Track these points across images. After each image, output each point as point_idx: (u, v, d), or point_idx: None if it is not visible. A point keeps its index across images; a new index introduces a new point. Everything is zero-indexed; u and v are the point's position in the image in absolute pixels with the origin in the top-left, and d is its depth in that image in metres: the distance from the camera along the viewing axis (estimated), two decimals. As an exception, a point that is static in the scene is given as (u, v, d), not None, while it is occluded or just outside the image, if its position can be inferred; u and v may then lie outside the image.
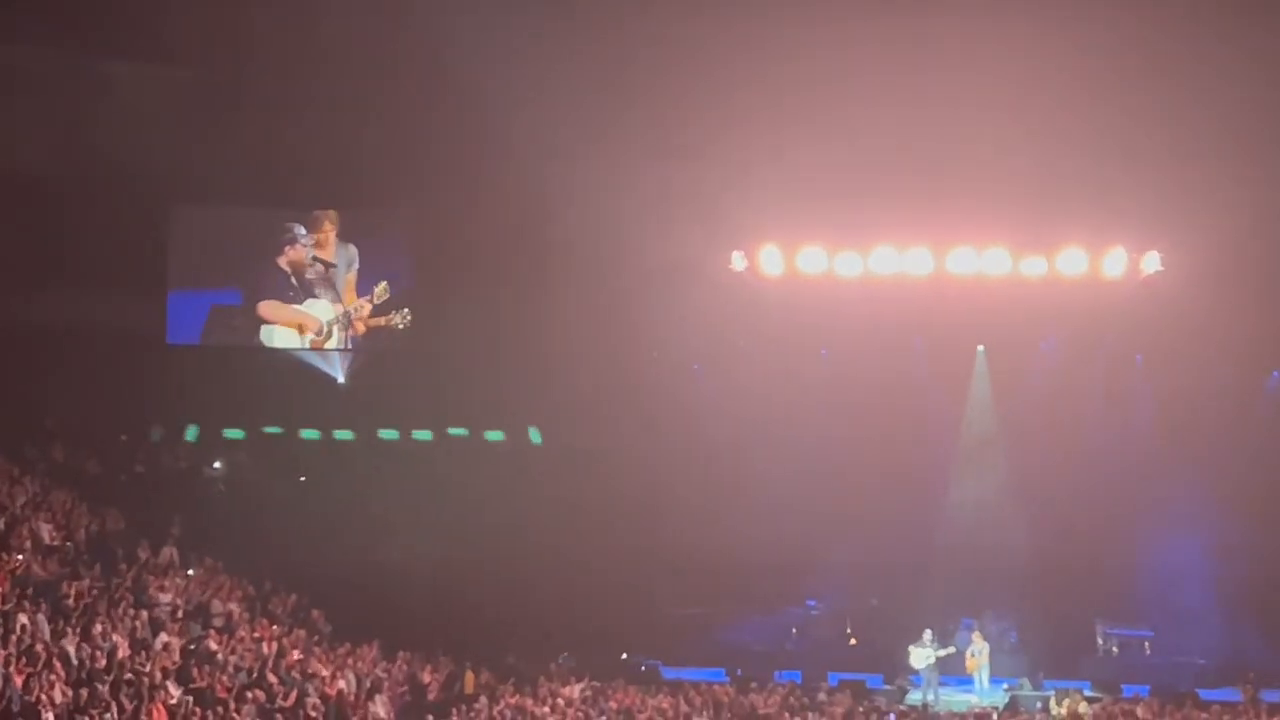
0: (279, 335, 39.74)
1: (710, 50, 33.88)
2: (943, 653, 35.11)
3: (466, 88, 34.31)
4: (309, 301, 39.65)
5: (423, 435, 40.78)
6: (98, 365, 37.92)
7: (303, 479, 41.17)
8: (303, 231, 39.47)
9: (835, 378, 38.92)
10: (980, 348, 40.45)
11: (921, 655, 35.00)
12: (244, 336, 39.49)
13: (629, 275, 37.53)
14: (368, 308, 39.58)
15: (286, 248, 39.50)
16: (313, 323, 39.70)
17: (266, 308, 39.59)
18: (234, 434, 40.64)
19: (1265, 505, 36.61)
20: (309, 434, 40.72)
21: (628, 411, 38.19)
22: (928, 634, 35.22)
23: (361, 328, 39.75)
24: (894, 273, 37.22)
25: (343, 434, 40.90)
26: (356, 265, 39.71)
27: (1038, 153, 34.31)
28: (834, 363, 39.11)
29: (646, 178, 35.65)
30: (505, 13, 33.80)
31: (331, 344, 39.89)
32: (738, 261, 37.68)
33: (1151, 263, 36.34)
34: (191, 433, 40.13)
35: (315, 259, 39.55)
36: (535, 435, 40.60)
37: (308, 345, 39.90)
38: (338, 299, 39.62)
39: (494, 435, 40.83)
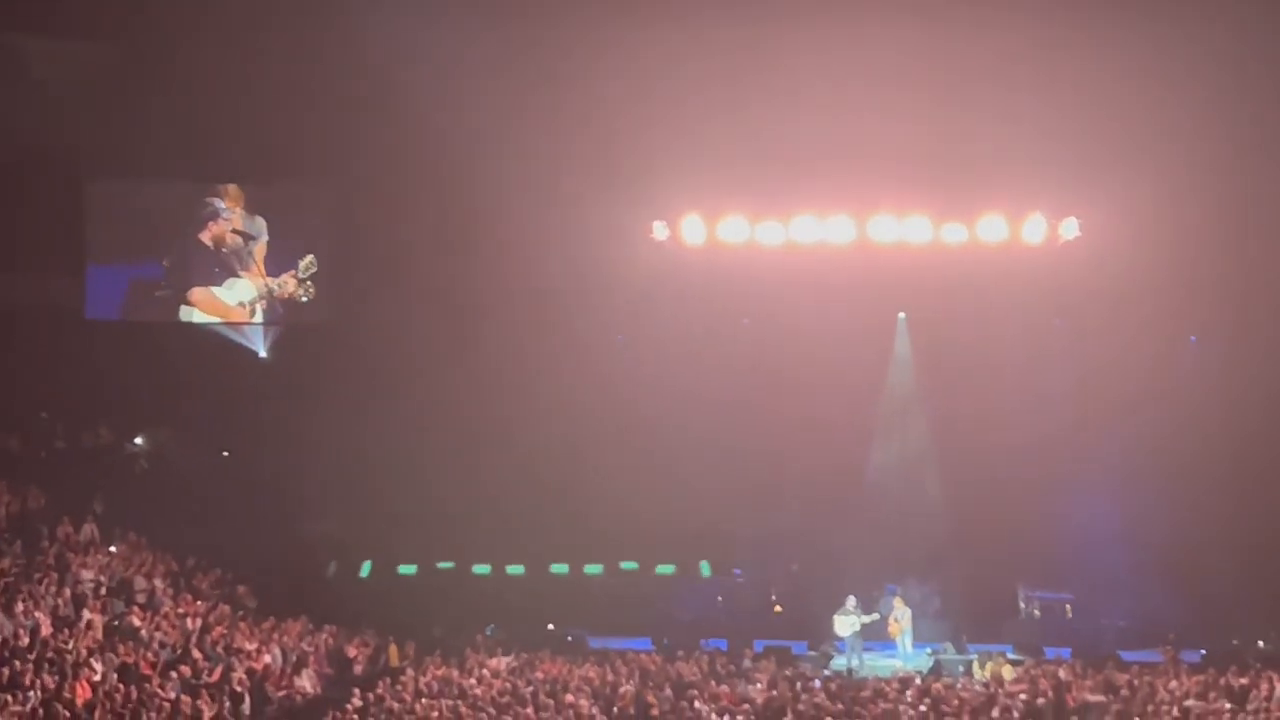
0: (199, 313, 39.50)
1: (631, 22, 33.84)
2: (867, 619, 35.30)
3: (383, 62, 34.11)
4: (230, 281, 39.36)
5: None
6: (16, 341, 37.62)
7: (225, 454, 40.99)
8: (223, 206, 39.20)
9: (757, 346, 39.00)
10: (901, 315, 40.64)
11: (846, 622, 35.20)
12: (166, 310, 39.16)
13: (551, 246, 37.46)
14: (292, 283, 39.36)
15: (209, 223, 39.22)
16: (242, 314, 39.46)
17: (198, 295, 39.31)
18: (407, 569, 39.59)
19: (1184, 468, 36.95)
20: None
21: (551, 380, 38.14)
22: (851, 600, 35.41)
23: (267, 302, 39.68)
24: (815, 240, 37.27)
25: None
26: (265, 238, 39.44)
27: (956, 122, 34.47)
28: (756, 331, 39.15)
29: (568, 149, 35.62)
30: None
31: (257, 318, 39.71)
32: (660, 231, 37.67)
33: (1070, 229, 36.56)
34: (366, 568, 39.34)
35: (234, 231, 39.30)
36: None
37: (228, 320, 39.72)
38: (255, 272, 39.42)
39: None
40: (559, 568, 39.70)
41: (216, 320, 39.58)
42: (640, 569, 39.30)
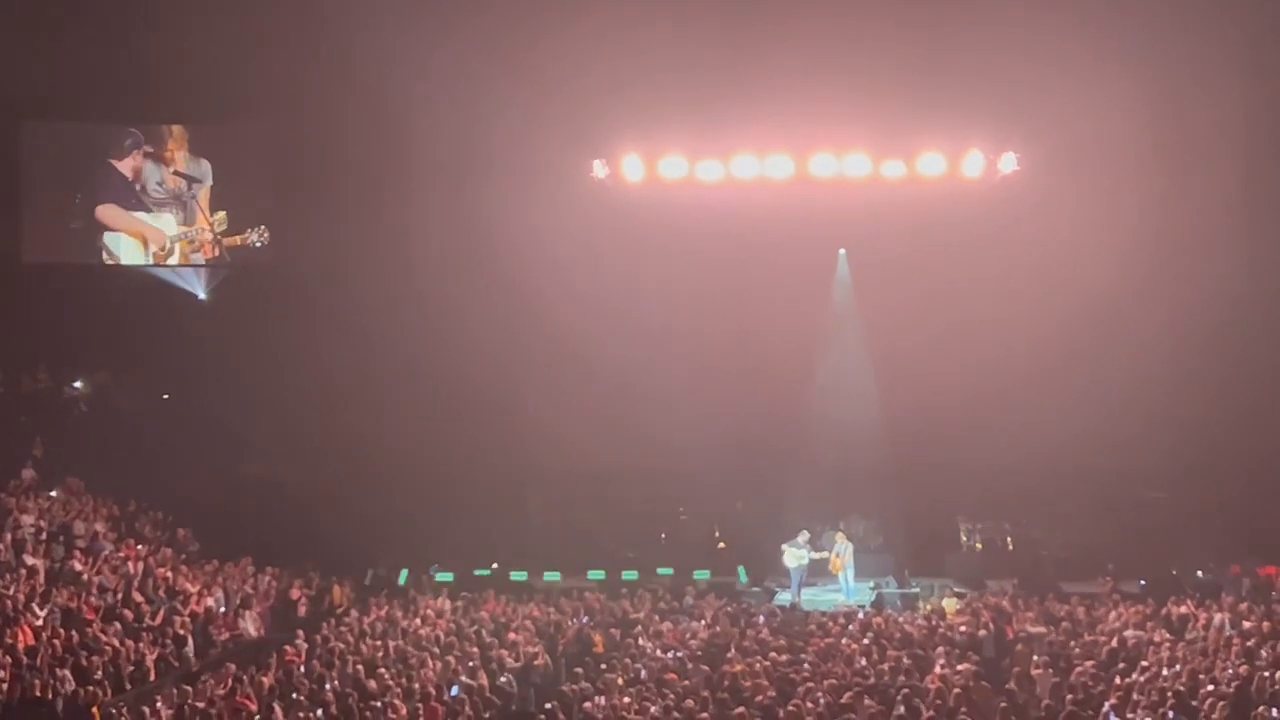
0: (125, 248, 39.15)
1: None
2: (816, 556, 35.47)
3: (324, 4, 33.94)
4: (154, 213, 39.08)
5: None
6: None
7: (166, 396, 40.79)
8: (129, 143, 38.91)
9: (699, 283, 38.93)
10: (842, 251, 40.70)
11: (794, 555, 35.32)
12: (86, 247, 38.85)
13: (492, 185, 37.40)
14: (221, 228, 39.16)
15: (134, 153, 38.87)
16: (156, 235, 39.15)
17: (105, 212, 38.97)
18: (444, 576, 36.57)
19: (1123, 399, 37.11)
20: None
21: (492, 318, 38.12)
22: (803, 535, 35.52)
23: (216, 249, 39.45)
24: (755, 176, 37.25)
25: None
26: (210, 182, 39.19)
27: (895, 62, 34.56)
28: (697, 268, 39.02)
29: (508, 89, 35.57)
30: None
31: (173, 260, 39.41)
32: (599, 169, 37.57)
33: (1008, 163, 36.63)
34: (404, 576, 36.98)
35: (176, 173, 39.01)
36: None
37: (151, 261, 39.34)
38: (190, 217, 39.14)
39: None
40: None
41: (141, 261, 39.28)
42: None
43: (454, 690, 24.20)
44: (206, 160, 39.25)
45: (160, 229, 39.15)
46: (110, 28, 35.66)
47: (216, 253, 39.44)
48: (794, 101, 35.42)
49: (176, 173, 39.00)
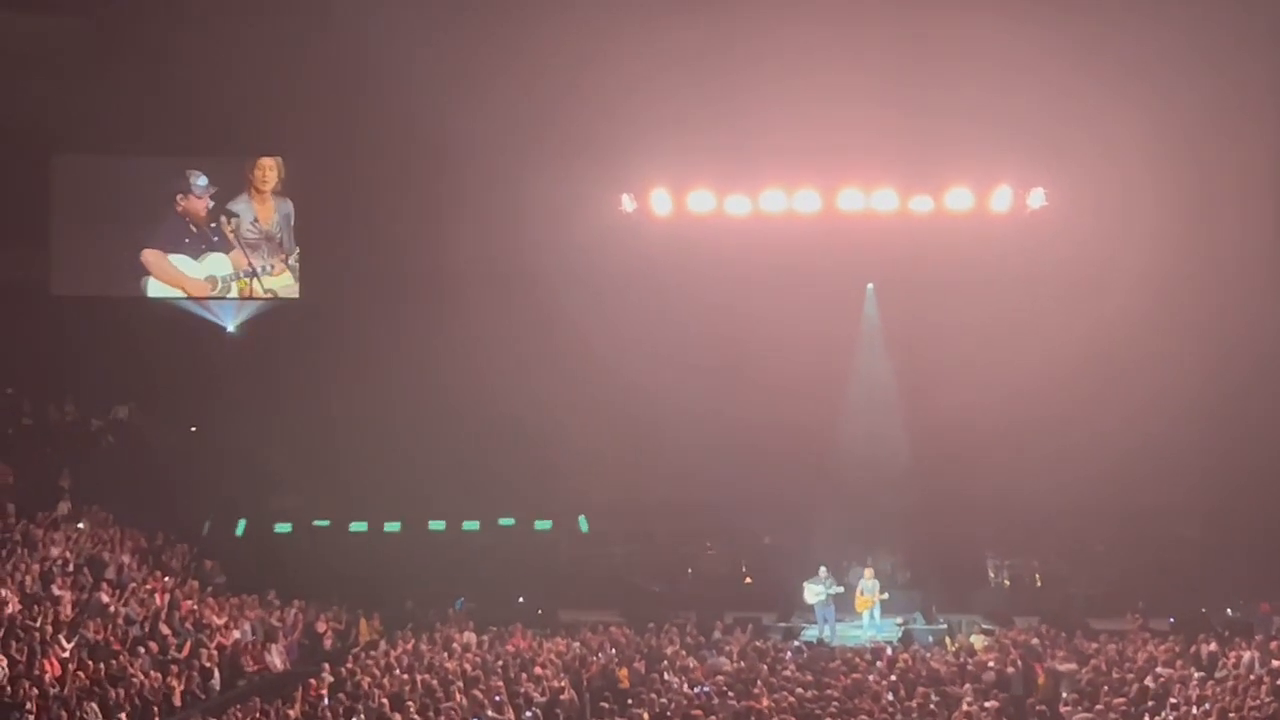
0: (160, 286, 39.25)
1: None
2: (836, 590, 35.40)
3: (355, 41, 34.04)
4: (209, 256, 39.14)
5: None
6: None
7: (193, 429, 40.83)
8: (203, 182, 38.95)
9: (726, 317, 38.88)
10: (870, 285, 40.68)
11: (814, 591, 35.29)
12: (129, 283, 38.91)
13: (520, 218, 37.43)
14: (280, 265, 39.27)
15: (181, 196, 38.91)
16: (198, 288, 39.20)
17: (150, 257, 39.04)
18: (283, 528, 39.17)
19: (1151, 435, 36.93)
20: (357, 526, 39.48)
21: (520, 351, 38.08)
22: (823, 570, 35.49)
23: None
24: (783, 211, 37.22)
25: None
26: (293, 221, 39.32)
27: (923, 98, 34.54)
28: (725, 302, 38.98)
29: (537, 124, 35.68)
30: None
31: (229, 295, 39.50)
32: (627, 203, 37.58)
33: (1037, 198, 36.55)
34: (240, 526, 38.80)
35: (256, 220, 39.14)
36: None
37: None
38: (270, 254, 39.23)
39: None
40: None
41: (180, 295, 39.34)
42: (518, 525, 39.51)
43: (479, 724, 24.18)
44: (289, 199, 39.35)
45: (212, 271, 39.16)
46: (138, 63, 35.79)
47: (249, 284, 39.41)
48: (822, 136, 35.38)
49: (258, 220, 39.06)
